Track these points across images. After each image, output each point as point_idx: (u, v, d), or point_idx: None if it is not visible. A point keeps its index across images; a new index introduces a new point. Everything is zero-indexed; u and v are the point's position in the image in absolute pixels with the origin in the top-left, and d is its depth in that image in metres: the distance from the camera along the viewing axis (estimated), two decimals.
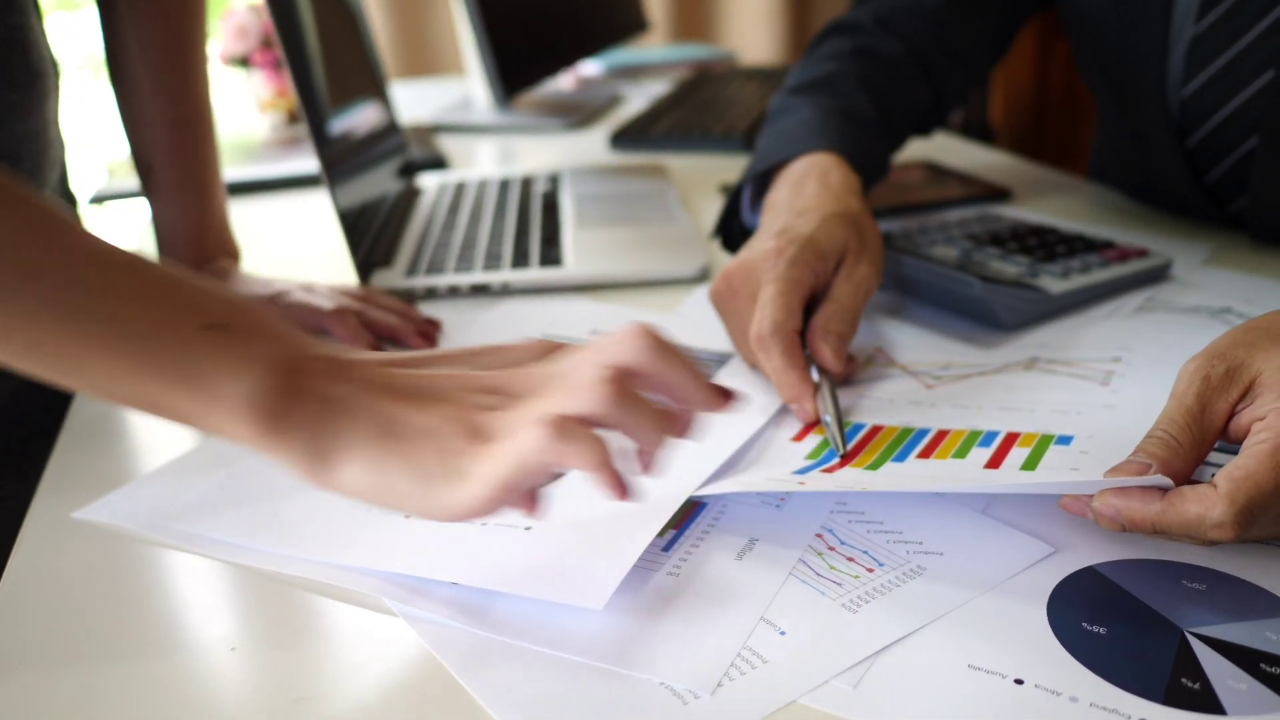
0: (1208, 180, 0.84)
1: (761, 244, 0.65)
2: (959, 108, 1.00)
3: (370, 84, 1.05)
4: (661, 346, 0.43)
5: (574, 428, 0.40)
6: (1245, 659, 0.39)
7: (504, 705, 0.38)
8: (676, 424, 0.43)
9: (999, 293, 0.68)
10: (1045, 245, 0.79)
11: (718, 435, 0.55)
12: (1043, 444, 0.53)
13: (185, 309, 0.41)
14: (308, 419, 0.41)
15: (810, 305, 0.63)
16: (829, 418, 0.57)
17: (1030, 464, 0.51)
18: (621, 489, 0.40)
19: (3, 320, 0.39)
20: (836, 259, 0.64)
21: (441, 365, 0.45)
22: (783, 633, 0.42)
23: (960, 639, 0.41)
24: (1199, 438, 0.45)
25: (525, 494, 0.42)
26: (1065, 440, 0.53)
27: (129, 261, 0.42)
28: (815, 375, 0.60)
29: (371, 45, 1.11)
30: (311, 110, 0.78)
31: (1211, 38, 0.77)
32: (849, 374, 0.65)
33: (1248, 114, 0.77)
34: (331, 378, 0.42)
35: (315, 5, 0.88)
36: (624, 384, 0.42)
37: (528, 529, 0.48)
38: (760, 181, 0.79)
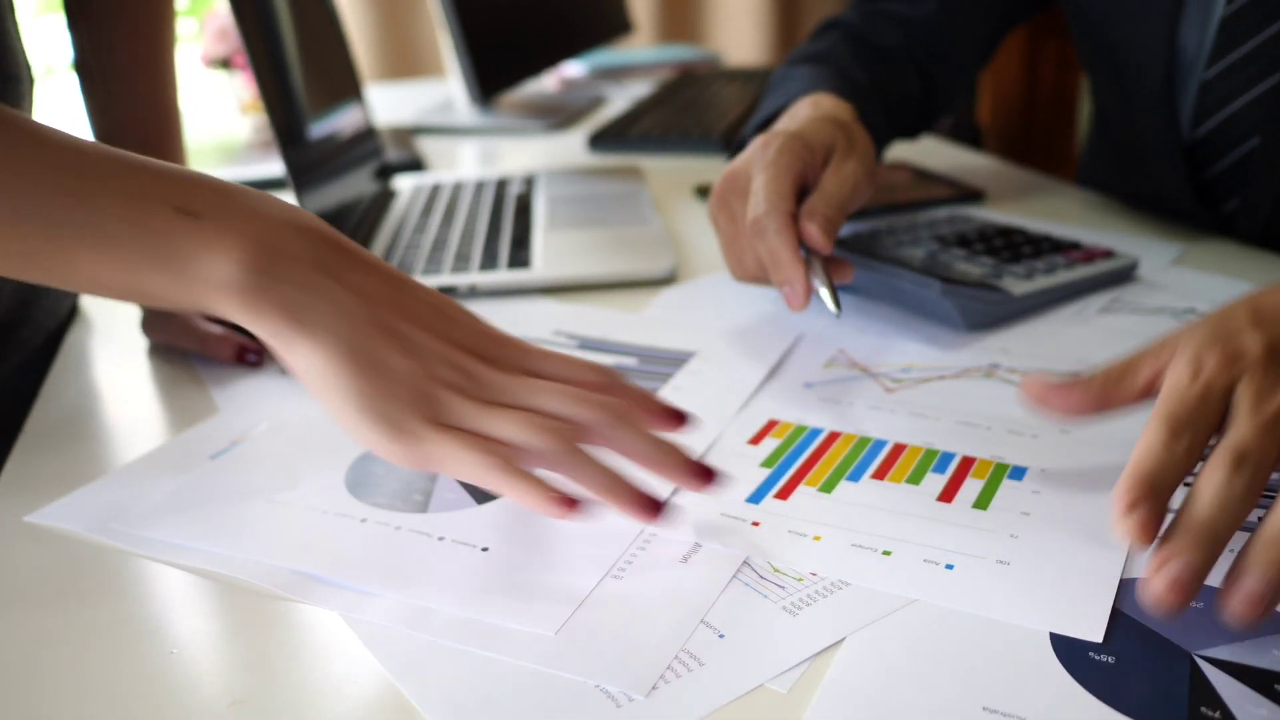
0: (1206, 176, 0.83)
1: (751, 146, 0.68)
2: (947, 115, 1.00)
3: (345, 86, 1.05)
4: (622, 418, 0.46)
5: (511, 468, 0.43)
6: (1260, 681, 0.38)
7: (438, 708, 0.38)
8: (622, 497, 0.45)
9: (960, 294, 0.68)
10: (1011, 246, 0.79)
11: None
12: (996, 475, 0.52)
13: (163, 199, 0.44)
14: (282, 300, 0.44)
15: (801, 198, 0.66)
16: (822, 288, 0.62)
17: (982, 502, 0.50)
18: (562, 513, 0.43)
19: None
20: (824, 153, 0.67)
21: (435, 322, 0.47)
22: (721, 635, 0.42)
23: (967, 680, 0.39)
24: (1113, 380, 0.47)
25: None
26: (1019, 474, 0.52)
27: (105, 159, 0.44)
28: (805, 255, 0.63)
29: (348, 47, 1.11)
30: (277, 113, 0.78)
31: (1240, 21, 0.76)
32: (843, 278, 0.66)
33: (1256, 110, 0.77)
34: (314, 266, 0.45)
35: (287, 8, 0.88)
36: (575, 440, 0.45)
37: (484, 549, 0.48)
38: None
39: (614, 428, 0.46)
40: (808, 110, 0.75)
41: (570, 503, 0.43)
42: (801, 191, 0.66)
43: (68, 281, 0.45)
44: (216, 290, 0.44)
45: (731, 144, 0.84)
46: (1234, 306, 0.47)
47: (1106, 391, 0.48)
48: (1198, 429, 0.43)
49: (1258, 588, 0.38)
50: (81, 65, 0.81)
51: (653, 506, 0.45)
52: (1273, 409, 0.43)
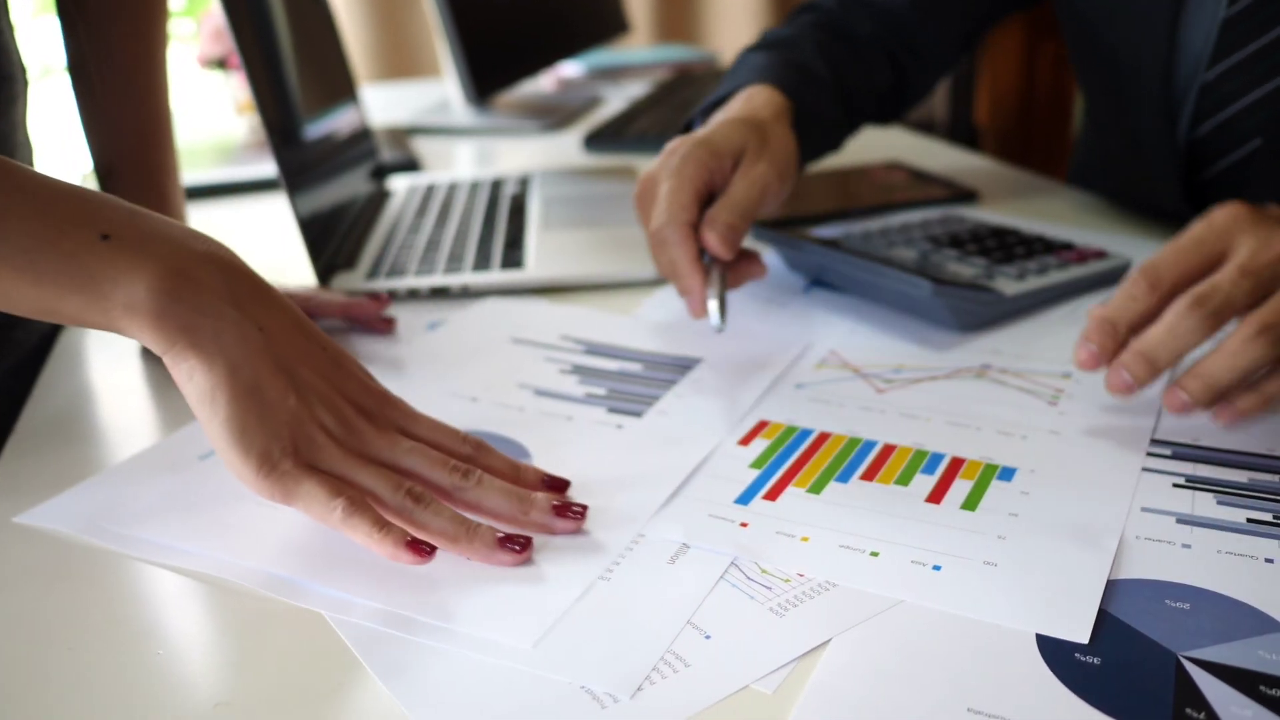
0: (1203, 177, 0.83)
1: (663, 150, 0.69)
2: (924, 101, 1.00)
3: (340, 87, 1.05)
4: (478, 481, 0.49)
5: (360, 513, 0.45)
6: (1244, 682, 0.38)
7: (422, 708, 0.38)
8: (471, 543, 0.46)
9: (952, 295, 0.68)
10: (1004, 247, 0.79)
11: (666, 462, 0.55)
12: (985, 476, 0.52)
13: (79, 222, 0.45)
14: (185, 322, 0.45)
15: (710, 202, 0.67)
16: (712, 299, 0.62)
17: (970, 503, 0.50)
18: (410, 559, 0.45)
19: None
20: (733, 158, 0.68)
21: (328, 371, 0.49)
22: (708, 636, 0.42)
23: (952, 681, 0.39)
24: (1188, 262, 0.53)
25: None
26: (1008, 475, 0.52)
27: (26, 179, 0.45)
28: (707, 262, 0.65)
29: (343, 48, 1.11)
30: (269, 114, 0.78)
31: (1243, 22, 0.76)
32: (754, 275, 0.68)
33: (1259, 112, 0.77)
34: (222, 296, 0.46)
35: (281, 9, 0.88)
36: (427, 496, 0.47)
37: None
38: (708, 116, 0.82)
39: (467, 490, 0.48)
40: (736, 108, 0.76)
41: (417, 548, 0.45)
42: (710, 196, 0.68)
43: None
44: (127, 312, 0.45)
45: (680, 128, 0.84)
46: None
47: (1169, 289, 0.53)
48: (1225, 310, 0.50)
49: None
50: (75, 67, 0.81)
51: (510, 546, 0.46)
52: (1255, 261, 0.51)
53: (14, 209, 0.44)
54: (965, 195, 1.00)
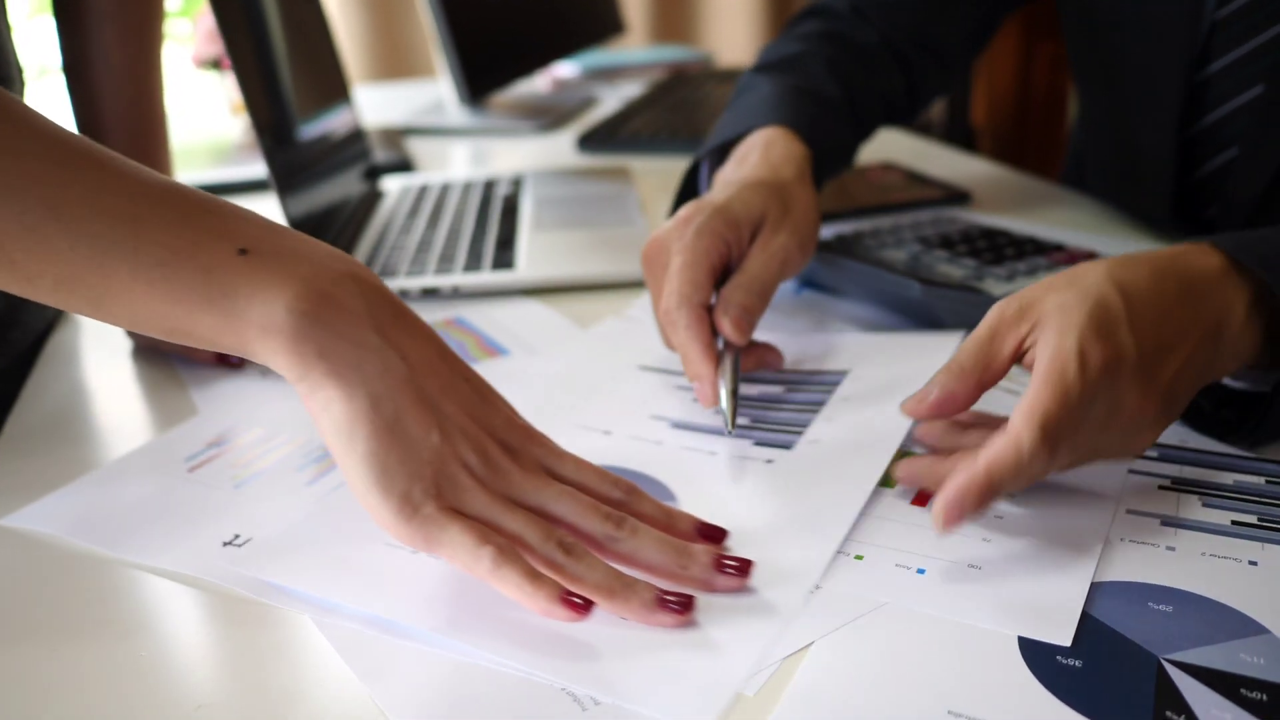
0: (1199, 175, 0.83)
1: (679, 214, 0.63)
2: (940, 98, 0.98)
3: (333, 88, 1.05)
4: (633, 531, 0.44)
5: (510, 563, 0.41)
6: (1225, 685, 0.38)
7: (403, 710, 0.38)
8: (628, 601, 0.42)
9: (940, 296, 0.68)
10: (994, 248, 0.79)
11: (825, 513, 0.49)
12: None
13: (214, 235, 0.42)
14: (325, 348, 0.42)
15: (727, 275, 0.62)
16: (723, 392, 0.56)
17: None
18: (567, 615, 0.41)
19: (33, 257, 0.40)
20: (752, 227, 0.63)
21: (472, 404, 0.45)
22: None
23: (933, 684, 0.39)
24: (983, 364, 0.48)
25: None
26: None
27: (158, 188, 0.42)
28: (721, 345, 0.59)
29: (336, 49, 1.11)
30: (260, 115, 0.78)
31: (1233, 24, 0.76)
32: (771, 364, 0.62)
33: (1242, 117, 0.77)
34: (364, 320, 0.43)
35: (273, 10, 0.88)
36: (580, 548, 0.43)
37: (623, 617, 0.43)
38: (718, 159, 0.78)
39: (621, 541, 0.44)
40: (754, 162, 0.70)
41: (573, 604, 0.41)
42: (725, 270, 0.62)
43: (105, 312, 0.42)
44: (262, 333, 0.41)
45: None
46: (1104, 286, 0.47)
47: (980, 380, 0.48)
48: (1068, 436, 0.45)
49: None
50: (69, 66, 0.81)
51: (671, 606, 0.42)
52: (1137, 436, 0.48)
53: (148, 218, 0.41)
54: (958, 196, 1.00)
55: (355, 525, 0.49)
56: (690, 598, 0.42)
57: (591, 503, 0.45)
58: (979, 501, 0.44)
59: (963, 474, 0.44)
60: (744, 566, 0.44)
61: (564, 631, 0.42)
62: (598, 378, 0.65)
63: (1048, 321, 0.47)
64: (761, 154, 0.71)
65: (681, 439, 0.57)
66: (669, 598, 0.42)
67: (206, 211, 0.43)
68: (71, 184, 0.41)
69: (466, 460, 0.44)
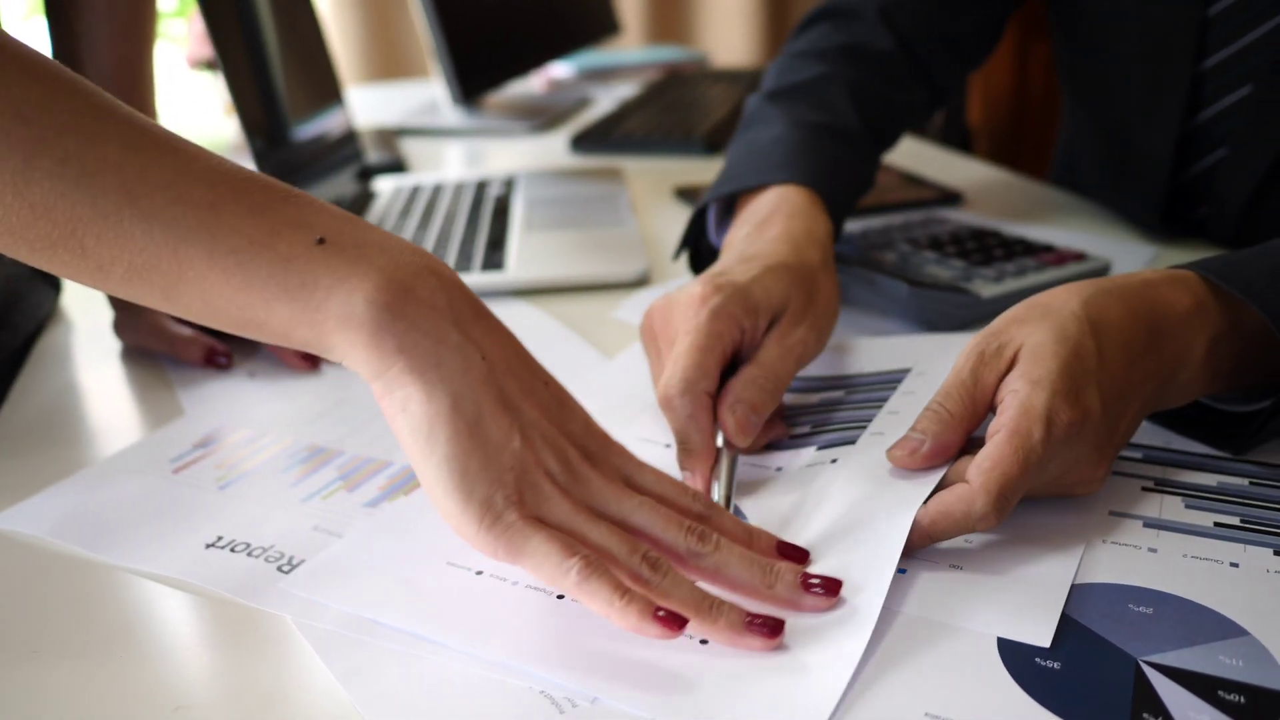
0: (1190, 174, 0.82)
1: (692, 287, 0.57)
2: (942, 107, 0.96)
3: (324, 90, 1.05)
4: (716, 546, 0.43)
5: (601, 577, 0.40)
6: (1203, 687, 0.38)
7: (381, 712, 0.38)
8: (717, 622, 0.40)
9: (928, 297, 0.68)
10: (984, 249, 0.79)
11: (895, 500, 0.47)
12: None
13: (292, 224, 0.41)
14: (407, 343, 0.41)
15: (738, 362, 0.56)
16: (716, 495, 0.50)
17: None
18: (660, 633, 0.39)
19: (105, 244, 0.39)
20: (771, 316, 0.57)
21: (551, 407, 0.44)
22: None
23: (912, 684, 0.39)
24: (970, 409, 0.47)
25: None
26: None
27: (234, 176, 0.41)
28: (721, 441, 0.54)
29: (328, 51, 1.11)
30: (248, 116, 0.78)
31: (1223, 23, 0.76)
32: (777, 437, 0.57)
33: (1232, 116, 0.77)
34: (445, 316, 0.42)
35: (265, 12, 0.88)
36: (665, 563, 0.42)
37: (704, 642, 0.41)
38: (728, 199, 0.73)
39: (705, 556, 0.43)
40: (775, 235, 0.63)
41: (671, 622, 0.39)
42: (736, 356, 0.57)
43: (177, 302, 0.41)
44: (340, 325, 0.40)
45: (697, 207, 0.74)
46: (1079, 328, 0.47)
47: (968, 427, 0.48)
48: (1021, 494, 0.45)
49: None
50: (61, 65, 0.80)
51: (760, 628, 0.40)
52: (1084, 486, 0.48)
53: (225, 206, 0.40)
54: (950, 197, 1.00)
55: (413, 544, 0.48)
56: (780, 621, 0.41)
57: (674, 515, 0.43)
58: (918, 545, 0.45)
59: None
60: (831, 586, 0.42)
61: (653, 661, 0.40)
62: (650, 389, 0.63)
63: (1021, 367, 0.47)
64: (784, 227, 0.64)
65: (745, 461, 0.55)
66: (757, 620, 0.40)
67: (285, 200, 0.42)
68: (148, 169, 0.40)
69: (549, 467, 0.42)
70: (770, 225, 0.65)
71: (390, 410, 0.41)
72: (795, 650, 0.40)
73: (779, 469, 0.54)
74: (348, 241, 0.41)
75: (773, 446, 0.57)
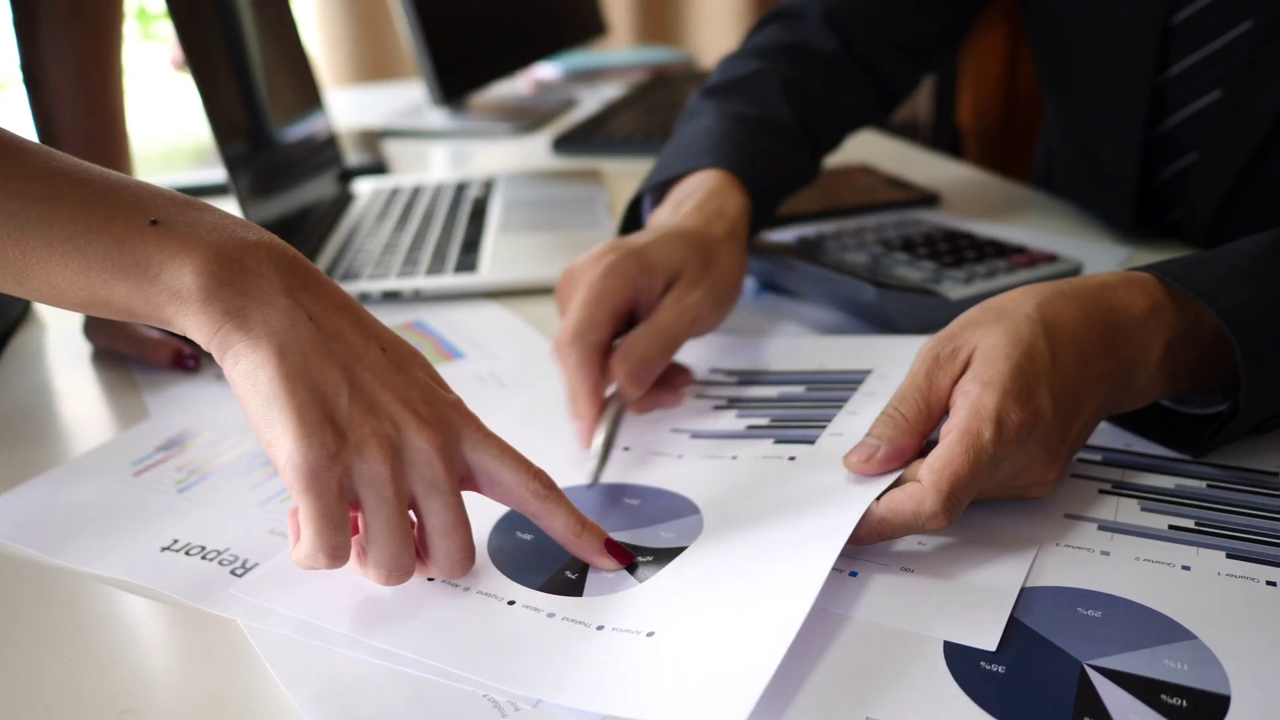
0: (1161, 178, 0.83)
1: (594, 249, 0.62)
2: (910, 100, 0.96)
3: (302, 94, 1.05)
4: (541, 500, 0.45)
5: (308, 485, 0.41)
6: (1146, 690, 0.38)
7: (323, 716, 0.38)
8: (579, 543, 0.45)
9: (894, 299, 0.68)
10: (955, 250, 0.79)
11: (846, 497, 0.47)
12: None
13: (126, 209, 0.43)
14: (234, 307, 0.42)
15: (632, 322, 0.60)
16: (598, 440, 0.53)
17: None
18: (313, 562, 0.42)
19: None
20: (667, 277, 0.61)
21: (395, 383, 0.44)
22: None
23: (854, 688, 0.39)
24: (925, 413, 0.48)
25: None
26: None
27: (73, 170, 0.44)
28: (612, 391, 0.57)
29: (306, 54, 1.10)
30: (219, 123, 0.78)
31: (1187, 31, 0.76)
32: (672, 403, 0.60)
33: (1200, 122, 0.77)
34: (276, 286, 0.43)
35: (238, 18, 0.88)
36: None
37: (650, 635, 0.41)
38: (661, 191, 0.76)
39: (550, 499, 0.46)
40: (687, 210, 0.67)
41: (619, 551, 0.46)
42: (631, 315, 0.60)
43: (28, 287, 0.44)
44: (173, 298, 0.42)
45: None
46: (1033, 330, 0.47)
47: (923, 430, 0.48)
48: (971, 495, 0.45)
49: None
50: (27, 73, 0.80)
51: (620, 552, 0.46)
52: (1036, 489, 0.48)
53: (63, 196, 0.43)
54: (926, 199, 1.00)
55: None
56: (629, 553, 0.46)
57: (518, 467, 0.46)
58: (867, 541, 0.45)
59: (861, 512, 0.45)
60: (623, 555, 0.46)
61: (600, 662, 0.40)
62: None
63: (974, 369, 0.47)
64: (697, 203, 0.68)
65: (702, 448, 0.56)
66: (611, 544, 0.46)
67: (120, 188, 0.44)
68: None
69: (378, 428, 0.42)
70: (685, 204, 0.69)
71: (226, 370, 0.43)
72: (725, 640, 0.39)
73: (734, 457, 0.54)
74: (179, 221, 0.43)
75: (729, 435, 0.57)
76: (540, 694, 0.39)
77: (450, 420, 0.45)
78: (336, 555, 0.42)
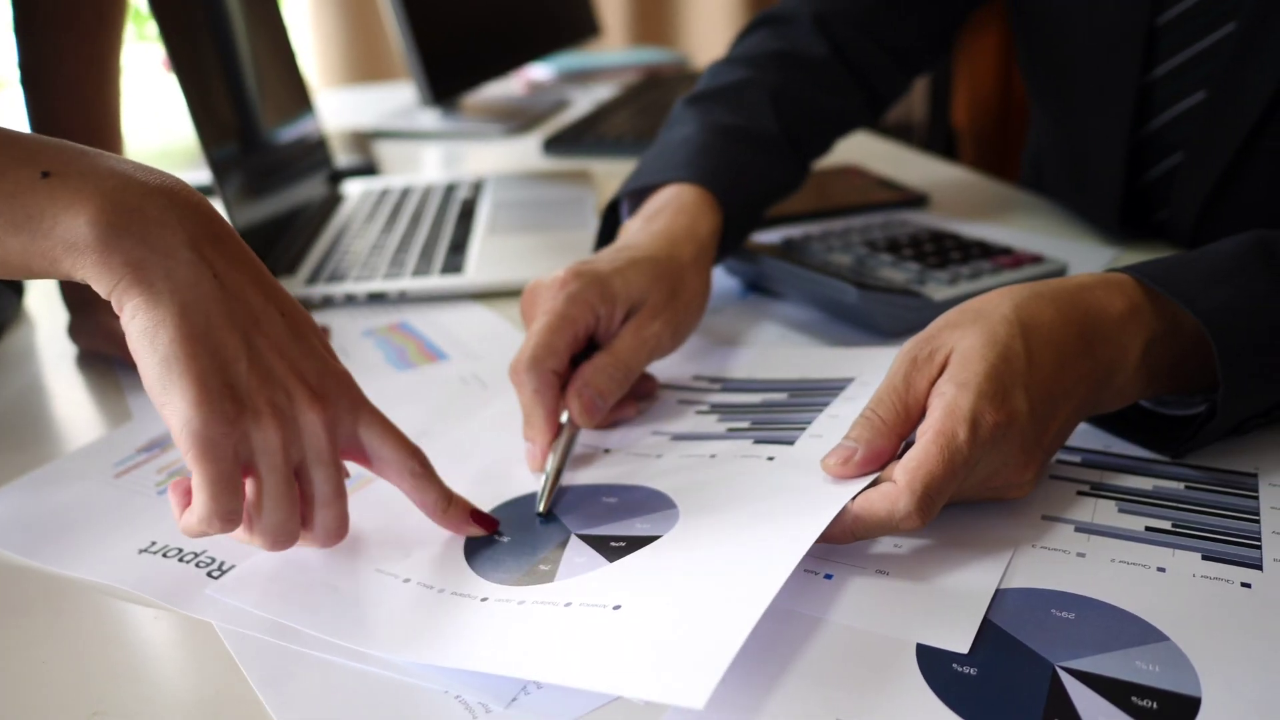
0: (1147, 179, 0.83)
1: (558, 272, 0.61)
2: (904, 100, 0.96)
3: (291, 96, 1.05)
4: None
5: (205, 452, 0.41)
6: (1117, 692, 0.38)
7: (294, 716, 0.38)
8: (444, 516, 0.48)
9: (877, 300, 0.68)
10: (940, 252, 0.79)
11: (821, 493, 0.47)
12: None
13: (17, 162, 0.42)
14: (132, 257, 0.41)
15: (594, 347, 0.60)
16: (548, 471, 0.53)
17: None
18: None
19: None
20: (629, 306, 0.60)
21: (290, 352, 0.45)
22: None
23: (824, 691, 0.38)
24: (902, 415, 0.48)
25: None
26: None
27: None
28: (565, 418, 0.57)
29: (295, 57, 1.10)
30: (203, 127, 0.78)
31: (1172, 31, 0.76)
32: (632, 415, 0.61)
33: (1185, 122, 0.77)
34: (177, 235, 0.42)
35: (224, 20, 0.88)
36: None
37: (616, 608, 0.41)
38: (640, 197, 0.75)
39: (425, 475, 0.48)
40: (658, 230, 0.67)
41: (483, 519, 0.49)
42: (590, 341, 0.60)
43: None
44: (68, 250, 0.41)
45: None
46: (1009, 330, 0.47)
47: (901, 432, 0.48)
48: (945, 496, 0.45)
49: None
50: (25, 74, 0.80)
51: (484, 520, 0.49)
52: (1013, 490, 0.49)
53: None
54: (914, 200, 1.00)
55: (341, 551, 0.48)
56: (495, 521, 0.50)
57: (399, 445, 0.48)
58: (841, 541, 0.45)
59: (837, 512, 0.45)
60: (488, 523, 0.49)
61: (568, 646, 0.40)
62: None
63: (950, 370, 0.47)
64: (668, 222, 0.68)
65: (682, 448, 0.56)
66: (476, 514, 0.49)
67: (11, 143, 0.43)
68: None
69: (271, 398, 0.43)
70: (656, 219, 0.68)
71: (124, 323, 0.42)
72: (693, 614, 0.39)
73: (713, 455, 0.54)
74: (72, 171, 0.42)
75: (709, 437, 0.57)
76: (507, 672, 0.39)
77: (339, 394, 0.46)
78: (229, 519, 0.43)
